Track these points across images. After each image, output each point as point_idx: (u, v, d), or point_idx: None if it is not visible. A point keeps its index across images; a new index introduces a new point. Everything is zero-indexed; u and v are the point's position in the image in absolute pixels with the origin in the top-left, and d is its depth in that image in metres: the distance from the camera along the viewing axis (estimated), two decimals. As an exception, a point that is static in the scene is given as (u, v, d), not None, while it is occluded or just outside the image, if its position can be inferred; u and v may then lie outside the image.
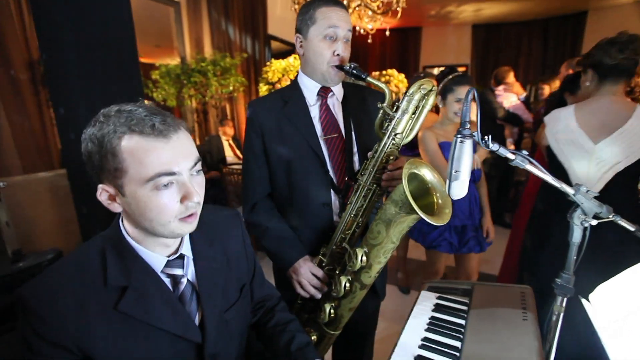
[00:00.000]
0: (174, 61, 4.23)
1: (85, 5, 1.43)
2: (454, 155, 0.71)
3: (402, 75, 5.66)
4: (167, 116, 0.61)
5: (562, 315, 0.82)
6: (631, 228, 0.77)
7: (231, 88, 4.05)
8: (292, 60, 3.35)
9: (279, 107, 1.07)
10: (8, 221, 1.64)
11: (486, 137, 0.71)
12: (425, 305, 1.02)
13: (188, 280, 0.72)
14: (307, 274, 1.02)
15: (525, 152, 0.73)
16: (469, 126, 0.71)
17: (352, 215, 0.97)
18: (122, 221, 0.68)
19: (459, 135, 0.71)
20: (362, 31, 3.52)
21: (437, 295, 1.08)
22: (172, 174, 0.59)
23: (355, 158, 1.09)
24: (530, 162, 0.73)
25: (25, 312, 0.58)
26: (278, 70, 3.29)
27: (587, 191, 0.75)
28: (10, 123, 2.49)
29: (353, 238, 1.00)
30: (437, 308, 1.00)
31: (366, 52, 7.69)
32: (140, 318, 0.64)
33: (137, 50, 1.60)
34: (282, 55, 5.44)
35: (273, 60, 3.40)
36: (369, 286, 0.95)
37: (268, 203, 1.13)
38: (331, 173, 1.05)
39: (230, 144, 4.02)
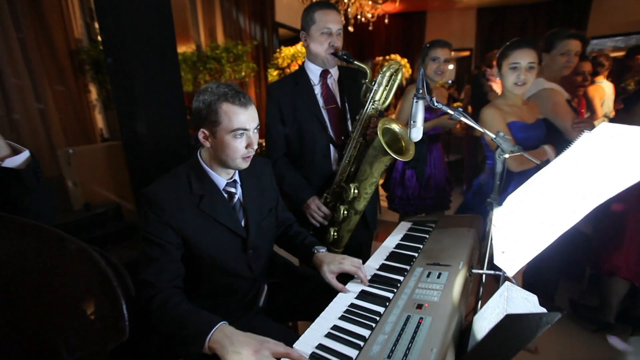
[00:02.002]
0: (189, 49, 4.58)
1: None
2: (412, 111, 1.08)
3: (405, 60, 5.92)
4: (245, 94, 0.98)
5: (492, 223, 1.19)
6: (536, 161, 1.13)
7: (243, 74, 4.39)
8: (300, 47, 3.67)
9: (292, 87, 1.45)
10: (76, 182, 2.06)
11: (433, 98, 1.08)
12: (403, 226, 1.40)
13: (238, 197, 1.12)
14: (316, 208, 1.41)
15: (460, 109, 1.09)
16: (421, 90, 1.07)
17: (346, 162, 1.36)
18: (200, 154, 1.06)
19: (414, 98, 1.07)
20: (363, 19, 3.80)
21: (412, 223, 1.46)
22: (245, 129, 0.97)
23: (349, 122, 1.47)
24: (464, 116, 1.09)
25: (147, 202, 0.97)
26: (287, 56, 3.63)
27: (504, 135, 1.10)
28: (56, 104, 2.90)
29: (348, 179, 1.38)
30: (411, 228, 1.38)
31: (371, 38, 7.86)
32: (211, 215, 1.03)
33: (175, 43, 1.96)
34: (289, 41, 5.74)
35: (283, 47, 3.72)
36: (361, 212, 1.35)
37: (285, 159, 1.51)
38: (331, 133, 1.43)
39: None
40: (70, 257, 0.65)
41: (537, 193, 0.84)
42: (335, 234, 1.40)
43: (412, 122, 1.09)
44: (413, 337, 0.74)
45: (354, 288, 1.02)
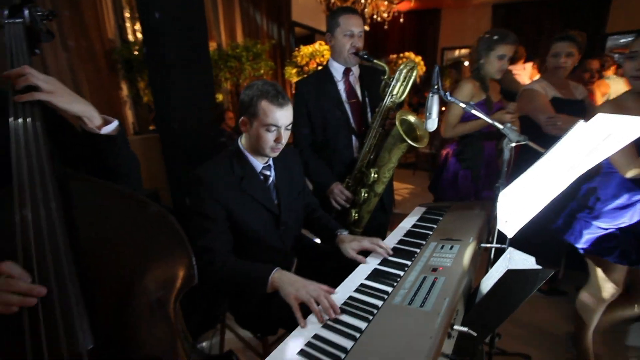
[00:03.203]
0: (211, 47, 4.78)
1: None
2: (427, 104, 1.22)
3: (419, 58, 5.98)
4: (285, 96, 1.13)
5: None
6: (540, 149, 1.25)
7: (262, 71, 4.57)
8: (318, 46, 3.82)
9: (317, 83, 1.60)
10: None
11: (447, 92, 1.21)
12: (418, 211, 1.54)
13: (272, 180, 1.27)
14: (339, 192, 1.57)
15: (472, 103, 1.22)
16: (436, 86, 1.20)
17: (367, 150, 1.51)
18: (240, 140, 1.22)
19: (430, 92, 1.21)
20: (379, 19, 3.91)
21: (426, 208, 1.59)
22: (277, 126, 1.12)
23: (369, 115, 1.61)
24: (475, 109, 1.22)
25: (199, 182, 1.14)
26: (306, 54, 3.78)
27: (511, 126, 1.23)
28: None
29: (368, 165, 1.53)
30: (426, 212, 1.52)
31: (385, 37, 7.92)
32: (250, 194, 1.20)
33: (207, 42, 2.14)
34: (304, 39, 5.89)
35: (302, 46, 3.87)
36: (380, 195, 1.49)
37: (310, 149, 1.67)
38: (353, 124, 1.58)
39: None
40: (152, 217, 0.82)
41: (534, 173, 0.97)
42: (356, 214, 1.56)
43: (427, 114, 1.23)
44: (429, 291, 0.89)
45: (373, 261, 1.17)
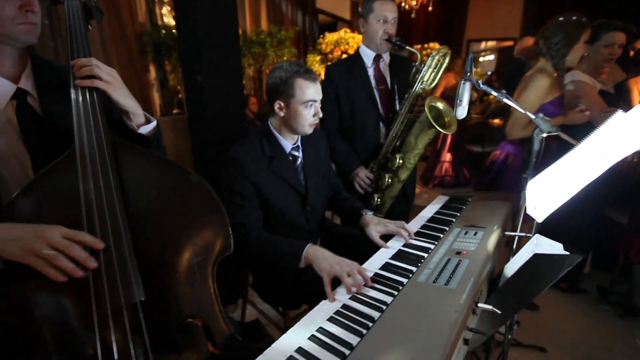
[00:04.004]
0: (235, 34, 4.82)
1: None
2: (458, 91, 1.22)
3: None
4: (313, 71, 1.17)
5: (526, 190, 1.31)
6: (572, 141, 1.23)
7: (285, 58, 4.59)
8: (343, 34, 3.80)
9: (348, 68, 1.62)
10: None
11: (479, 80, 1.20)
12: (441, 199, 1.55)
13: (300, 161, 1.31)
14: (363, 176, 1.59)
15: (503, 91, 1.21)
16: (469, 74, 1.20)
17: (393, 135, 1.52)
18: (270, 122, 1.26)
19: (463, 80, 1.21)
20: (406, 7, 3.84)
21: (449, 197, 1.60)
22: (314, 100, 1.16)
23: (397, 102, 1.62)
24: (507, 98, 1.21)
25: (232, 161, 1.19)
26: (331, 42, 3.77)
27: (543, 116, 1.22)
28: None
29: (393, 151, 1.55)
30: (449, 200, 1.53)
31: (409, 27, 7.74)
32: (279, 174, 1.24)
33: (238, 28, 2.17)
34: (327, 27, 5.85)
35: (327, 33, 3.86)
36: (403, 181, 1.51)
37: (336, 132, 1.69)
38: (381, 110, 1.59)
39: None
40: (194, 186, 0.87)
41: (566, 162, 0.97)
42: (379, 200, 1.58)
43: (458, 101, 1.23)
44: (453, 271, 0.91)
45: (396, 243, 1.20)
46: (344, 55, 3.98)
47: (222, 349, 0.81)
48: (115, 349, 0.65)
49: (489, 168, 1.95)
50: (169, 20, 3.89)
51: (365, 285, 0.91)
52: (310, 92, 1.15)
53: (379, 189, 1.58)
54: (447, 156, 4.11)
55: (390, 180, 1.52)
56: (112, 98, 0.84)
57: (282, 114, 1.20)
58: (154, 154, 0.89)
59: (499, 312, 0.76)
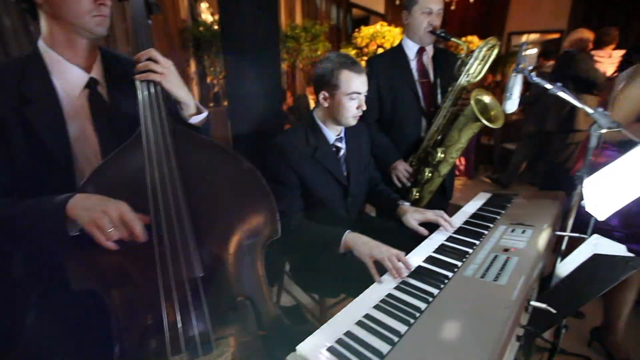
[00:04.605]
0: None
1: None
2: (509, 83, 1.17)
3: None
4: (359, 63, 1.17)
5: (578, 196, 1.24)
6: (636, 139, 1.15)
7: (319, 53, 4.60)
8: (379, 27, 3.74)
9: (389, 61, 1.61)
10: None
11: (532, 72, 1.15)
12: (482, 196, 1.50)
13: (343, 152, 1.32)
14: (402, 169, 1.58)
15: (559, 84, 1.15)
16: (522, 65, 1.15)
17: (435, 129, 1.49)
18: (314, 112, 1.28)
19: (514, 72, 1.16)
20: (447, -2, 3.71)
21: (492, 194, 1.55)
22: (359, 93, 1.17)
23: (439, 96, 1.58)
24: (563, 91, 1.15)
25: (277, 150, 1.22)
26: (367, 36, 3.73)
27: (602, 111, 1.14)
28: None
29: (434, 146, 1.52)
30: (492, 197, 1.48)
31: (444, 19, 7.43)
32: (322, 164, 1.25)
33: (278, 16, 2.20)
34: (360, 21, 5.78)
35: (363, 27, 3.82)
36: (443, 176, 1.48)
37: (376, 124, 1.68)
38: (423, 104, 1.57)
39: (315, 103, 4.62)
40: (246, 171, 0.91)
41: (631, 160, 0.91)
42: (417, 194, 1.57)
43: (508, 94, 1.19)
44: (502, 268, 0.89)
45: (438, 237, 1.18)
46: (380, 50, 3.92)
47: (269, 329, 0.84)
48: (179, 318, 0.70)
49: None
50: (207, 16, 4.01)
51: (409, 276, 0.91)
52: (355, 84, 1.15)
53: (417, 183, 1.56)
54: None
55: (430, 175, 1.49)
56: (165, 89, 0.89)
57: (326, 104, 1.21)
58: (208, 141, 0.93)
59: (554, 311, 0.74)
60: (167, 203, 0.76)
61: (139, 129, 0.85)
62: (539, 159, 3.86)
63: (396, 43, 1.67)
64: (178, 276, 0.72)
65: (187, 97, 0.94)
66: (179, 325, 0.70)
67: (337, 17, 5.49)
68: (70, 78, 0.87)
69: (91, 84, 0.90)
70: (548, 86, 1.18)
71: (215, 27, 3.64)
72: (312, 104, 4.64)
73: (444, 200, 1.73)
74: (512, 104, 1.19)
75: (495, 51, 1.40)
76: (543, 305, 0.75)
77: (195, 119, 0.97)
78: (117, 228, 0.69)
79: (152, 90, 0.88)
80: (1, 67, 0.82)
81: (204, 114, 1.00)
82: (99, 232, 0.68)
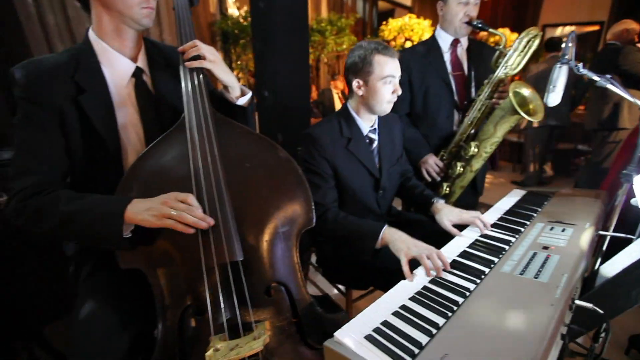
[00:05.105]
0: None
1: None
2: (553, 75, 1.12)
3: (515, 35, 5.37)
4: (391, 48, 1.16)
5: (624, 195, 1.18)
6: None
7: (344, 46, 4.56)
8: (408, 19, 3.66)
9: (423, 53, 1.57)
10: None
11: (579, 64, 1.10)
12: (517, 193, 1.46)
13: (376, 144, 1.31)
14: (433, 163, 1.55)
15: (608, 76, 1.09)
16: (567, 57, 1.10)
17: (468, 123, 1.46)
18: (348, 103, 1.28)
19: (559, 63, 1.11)
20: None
21: (526, 192, 1.49)
22: (393, 76, 1.15)
23: (473, 89, 1.54)
24: (611, 83, 1.09)
25: (310, 141, 1.22)
26: (394, 29, 3.66)
27: (657, 105, 1.07)
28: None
29: (467, 140, 1.48)
30: (527, 194, 1.43)
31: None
32: (356, 155, 1.25)
33: (307, 11, 2.20)
34: (385, 14, 5.67)
35: (390, 20, 3.76)
36: (476, 171, 1.45)
37: (406, 118, 1.66)
38: (456, 97, 1.53)
39: (339, 96, 4.60)
40: (283, 160, 0.92)
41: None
42: (448, 189, 1.54)
43: (551, 86, 1.14)
44: (542, 265, 0.86)
45: (471, 234, 1.15)
46: (408, 43, 3.84)
47: (302, 316, 0.85)
48: (221, 298, 0.73)
49: None
50: (233, 10, 4.06)
51: (444, 270, 0.90)
52: (389, 68, 1.14)
53: (448, 178, 1.53)
54: None
55: (462, 169, 1.46)
56: (215, 74, 0.92)
57: (360, 92, 1.20)
58: (247, 129, 0.95)
59: (601, 311, 0.71)
60: (210, 187, 0.79)
61: (182, 116, 0.88)
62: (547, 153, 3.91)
63: (424, 36, 1.64)
64: (220, 259, 0.74)
65: (233, 81, 0.99)
66: (222, 305, 0.72)
67: (363, 10, 5.42)
68: (118, 67, 0.91)
69: (137, 73, 0.94)
70: (596, 78, 1.12)
71: (242, 21, 3.69)
72: (336, 99, 4.62)
73: (474, 196, 1.69)
74: (555, 97, 1.14)
75: (537, 42, 1.34)
76: (589, 305, 0.72)
77: (242, 100, 1.01)
78: (184, 215, 0.72)
79: (196, 79, 0.91)
80: (57, 58, 0.87)
81: (249, 95, 1.03)
82: (173, 222, 0.72)
